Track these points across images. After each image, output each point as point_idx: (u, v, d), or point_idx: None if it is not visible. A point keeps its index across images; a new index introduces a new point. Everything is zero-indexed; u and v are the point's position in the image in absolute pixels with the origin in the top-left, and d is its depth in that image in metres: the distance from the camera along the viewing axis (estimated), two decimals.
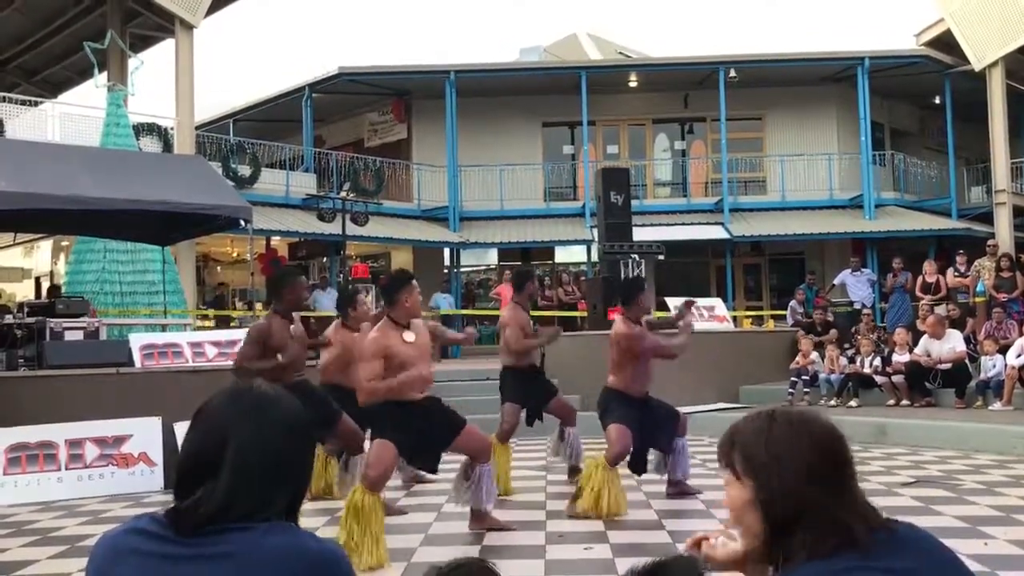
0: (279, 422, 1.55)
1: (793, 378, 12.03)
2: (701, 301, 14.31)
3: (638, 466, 6.62)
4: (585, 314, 14.52)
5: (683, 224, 20.95)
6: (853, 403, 11.22)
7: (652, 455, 6.80)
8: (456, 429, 5.39)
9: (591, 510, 6.01)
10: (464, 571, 1.58)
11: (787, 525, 1.50)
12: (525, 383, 7.14)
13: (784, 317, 16.74)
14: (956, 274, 13.85)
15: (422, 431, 5.24)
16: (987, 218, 21.37)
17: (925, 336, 11.27)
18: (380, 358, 5.12)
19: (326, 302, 16.89)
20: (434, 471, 5.64)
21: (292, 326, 6.20)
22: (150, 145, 16.52)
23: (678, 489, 6.78)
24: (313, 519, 6.09)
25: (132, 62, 16.50)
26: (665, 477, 6.81)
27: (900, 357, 11.37)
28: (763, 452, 1.54)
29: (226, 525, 1.46)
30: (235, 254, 23.23)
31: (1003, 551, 4.80)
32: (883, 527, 1.52)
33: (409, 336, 5.24)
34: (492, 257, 23.02)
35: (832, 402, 11.42)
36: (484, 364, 12.19)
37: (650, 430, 6.52)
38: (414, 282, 5.38)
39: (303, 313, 8.54)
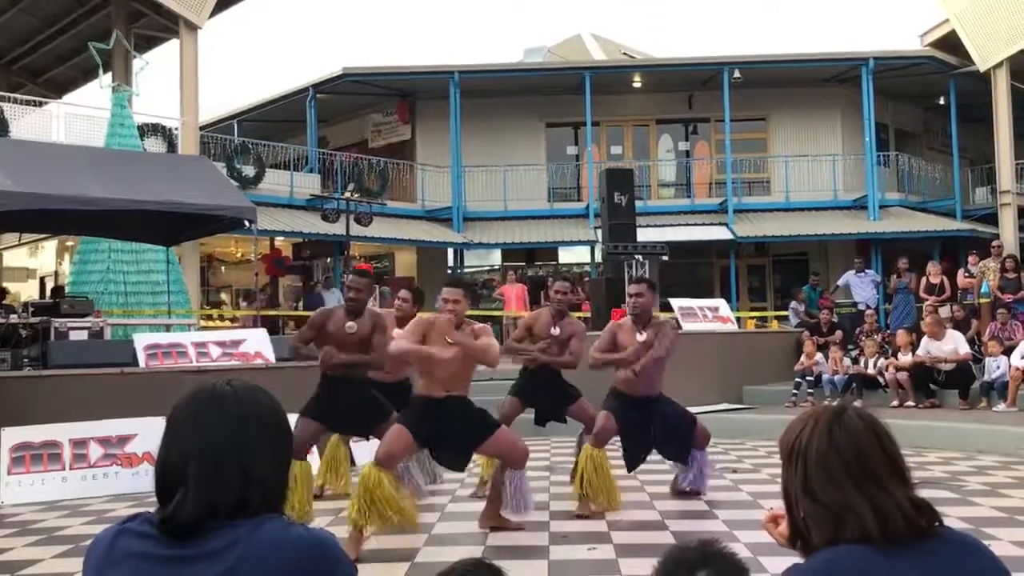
0: (233, 417, 1.54)
1: (797, 379, 12.03)
2: (705, 302, 14.32)
3: (629, 462, 6.66)
4: (589, 315, 14.51)
5: (687, 225, 20.93)
6: (857, 404, 11.18)
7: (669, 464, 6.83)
8: (485, 431, 5.41)
9: (583, 496, 6.11)
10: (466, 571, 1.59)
11: (807, 515, 1.56)
12: (531, 381, 7.13)
13: (788, 318, 16.75)
14: (966, 275, 13.81)
15: (442, 428, 5.29)
16: (992, 219, 21.33)
17: (925, 337, 11.26)
18: (420, 335, 5.29)
19: (331, 302, 16.92)
20: (460, 469, 5.71)
21: (348, 324, 6.15)
22: (154, 146, 16.53)
23: (679, 491, 6.78)
24: (322, 517, 6.10)
25: (137, 63, 16.52)
26: (676, 479, 6.82)
27: (904, 357, 11.36)
28: (792, 444, 1.62)
29: (214, 524, 1.47)
30: (239, 254, 23.24)
31: (1007, 552, 4.80)
32: (919, 525, 1.53)
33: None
34: (496, 258, 23.01)
35: (834, 403, 11.41)
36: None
37: (653, 435, 6.49)
38: (445, 288, 5.49)
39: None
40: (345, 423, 6.35)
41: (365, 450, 7.83)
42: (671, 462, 6.86)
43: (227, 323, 18.36)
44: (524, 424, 7.47)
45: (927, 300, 13.52)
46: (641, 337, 6.32)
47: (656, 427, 6.45)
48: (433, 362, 5.26)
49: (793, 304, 15.83)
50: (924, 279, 13.96)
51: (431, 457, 5.92)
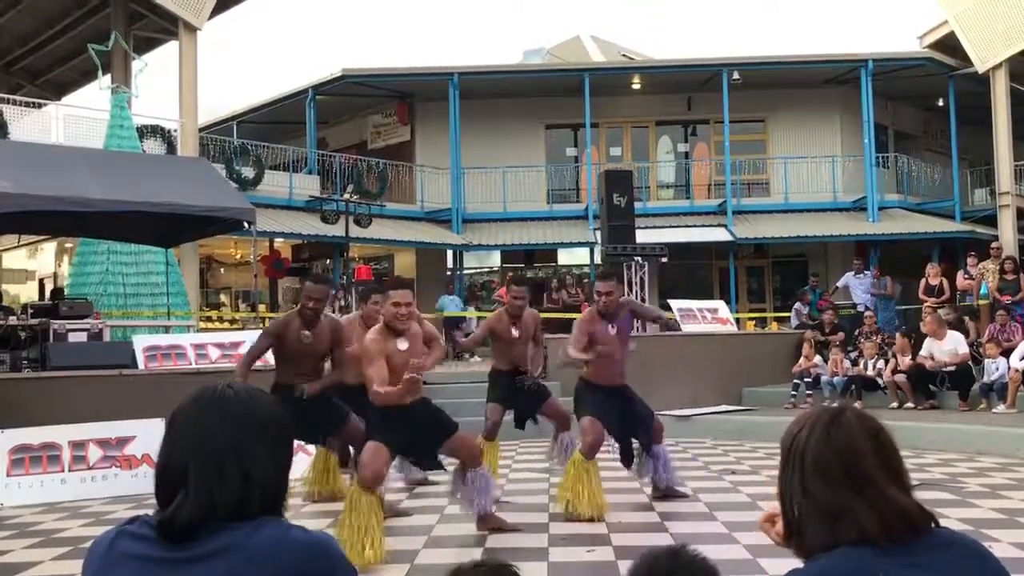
0: (235, 420, 1.54)
1: (796, 380, 12.02)
2: (704, 303, 14.33)
3: (624, 458, 6.66)
4: None
5: (686, 226, 20.91)
6: (856, 405, 11.16)
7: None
8: (445, 432, 5.45)
9: (571, 507, 6.05)
10: (486, 571, 1.59)
11: (803, 515, 1.54)
12: (506, 385, 7.17)
13: (787, 319, 16.73)
14: (965, 276, 13.81)
15: (411, 433, 5.29)
16: (991, 221, 21.32)
17: (928, 338, 11.26)
18: (382, 360, 5.17)
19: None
20: (439, 468, 5.71)
21: (304, 332, 6.15)
22: (154, 147, 16.52)
23: (664, 494, 6.75)
24: (316, 520, 6.09)
25: (136, 64, 16.52)
26: (654, 481, 6.78)
27: (904, 358, 11.35)
28: (790, 445, 1.60)
29: (213, 526, 1.47)
30: (238, 256, 23.24)
31: (1006, 554, 4.80)
32: (917, 527, 1.53)
33: (402, 344, 5.27)
34: (495, 259, 23.01)
35: (835, 405, 11.39)
36: (479, 367, 12.23)
37: (630, 422, 6.52)
38: (392, 292, 5.32)
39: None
40: (308, 432, 6.34)
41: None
42: (628, 471, 6.83)
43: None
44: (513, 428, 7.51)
45: (926, 301, 13.52)
46: (613, 330, 6.41)
47: (629, 415, 6.49)
48: (395, 378, 5.16)
49: (797, 305, 15.82)
50: (923, 281, 13.95)
51: (410, 463, 5.92)
